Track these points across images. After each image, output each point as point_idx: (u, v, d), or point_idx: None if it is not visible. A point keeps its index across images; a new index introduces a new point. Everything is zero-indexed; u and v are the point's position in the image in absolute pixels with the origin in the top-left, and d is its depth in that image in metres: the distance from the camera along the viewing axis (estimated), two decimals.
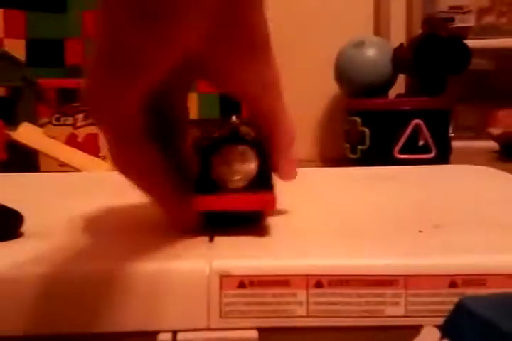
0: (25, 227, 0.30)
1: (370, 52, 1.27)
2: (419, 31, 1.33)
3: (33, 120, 1.06)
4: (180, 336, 0.25)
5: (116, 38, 0.23)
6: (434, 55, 1.13)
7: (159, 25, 0.22)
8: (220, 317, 0.25)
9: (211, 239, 0.28)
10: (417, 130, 1.09)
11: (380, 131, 1.10)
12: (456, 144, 1.16)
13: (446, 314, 0.21)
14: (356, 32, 1.44)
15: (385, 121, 1.11)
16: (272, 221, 0.32)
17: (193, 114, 1.26)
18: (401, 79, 1.37)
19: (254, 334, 0.25)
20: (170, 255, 0.26)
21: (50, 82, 1.14)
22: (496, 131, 1.36)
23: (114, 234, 0.30)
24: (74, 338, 0.25)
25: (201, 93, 1.22)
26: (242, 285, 0.25)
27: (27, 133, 0.96)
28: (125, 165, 0.27)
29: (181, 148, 0.31)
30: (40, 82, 1.12)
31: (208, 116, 1.25)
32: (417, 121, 1.09)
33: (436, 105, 1.12)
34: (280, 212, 0.34)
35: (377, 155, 1.10)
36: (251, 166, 0.29)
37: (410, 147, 1.09)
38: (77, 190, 0.45)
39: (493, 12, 1.71)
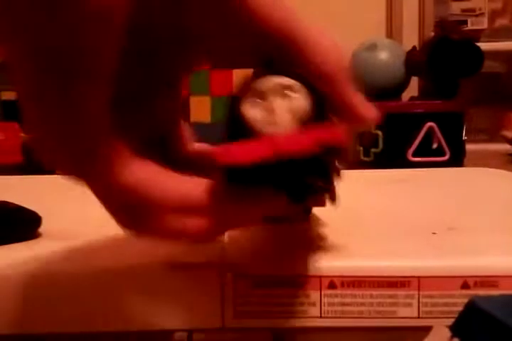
0: (43, 228, 0.30)
1: (383, 55, 1.27)
2: (432, 34, 1.32)
3: None
4: (196, 335, 0.25)
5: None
6: (446, 58, 1.12)
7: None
8: (234, 317, 0.25)
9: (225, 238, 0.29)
10: (430, 133, 1.09)
11: (394, 133, 1.10)
12: (469, 147, 1.16)
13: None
14: (369, 35, 1.43)
15: (398, 124, 1.10)
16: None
17: (206, 117, 1.27)
18: (414, 82, 1.37)
19: (267, 334, 0.25)
20: (184, 254, 0.26)
21: None
22: (509, 133, 1.36)
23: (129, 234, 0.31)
24: (90, 336, 0.25)
25: (214, 96, 1.22)
26: (256, 285, 0.25)
27: None
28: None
29: (178, 150, 0.27)
30: None
31: (221, 120, 1.26)
32: (430, 123, 1.08)
33: (449, 108, 1.11)
34: None
35: (391, 158, 1.10)
36: (299, 102, 0.21)
37: (424, 150, 1.09)
38: None
39: (506, 15, 1.70)
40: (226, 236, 0.29)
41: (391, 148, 1.11)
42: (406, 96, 1.33)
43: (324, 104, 0.21)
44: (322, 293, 0.25)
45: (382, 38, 1.46)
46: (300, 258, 0.26)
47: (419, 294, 0.25)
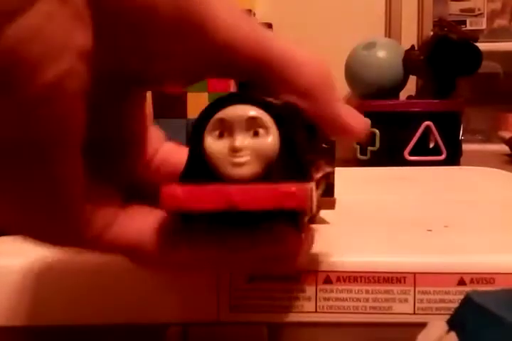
0: None
1: (381, 54, 1.27)
2: (431, 33, 1.32)
3: None
4: (191, 329, 0.25)
5: None
6: (445, 58, 1.12)
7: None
8: (230, 311, 0.25)
9: None
10: (427, 132, 1.08)
11: (391, 132, 1.10)
12: (466, 147, 1.16)
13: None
14: (367, 33, 1.43)
15: (395, 123, 1.10)
16: None
17: None
18: (412, 81, 1.37)
19: (263, 328, 0.25)
20: None
21: None
22: (507, 134, 1.36)
23: None
24: (83, 329, 0.25)
25: (212, 92, 1.22)
26: (252, 279, 0.25)
27: None
28: None
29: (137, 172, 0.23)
30: None
31: None
32: (427, 123, 1.08)
33: (447, 107, 1.11)
34: None
35: (388, 156, 1.10)
36: (267, 140, 0.19)
37: (420, 149, 1.09)
38: None
39: (505, 15, 1.70)
40: None
41: (388, 147, 1.11)
42: (403, 95, 1.33)
43: (295, 140, 0.19)
44: (318, 288, 0.25)
45: (381, 37, 1.46)
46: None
47: (415, 290, 0.25)
